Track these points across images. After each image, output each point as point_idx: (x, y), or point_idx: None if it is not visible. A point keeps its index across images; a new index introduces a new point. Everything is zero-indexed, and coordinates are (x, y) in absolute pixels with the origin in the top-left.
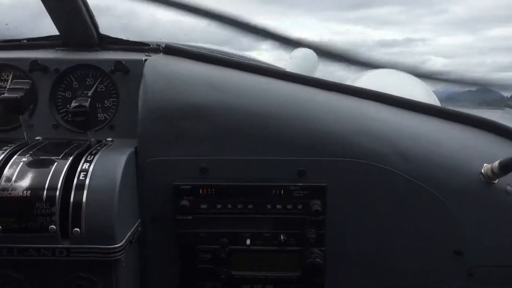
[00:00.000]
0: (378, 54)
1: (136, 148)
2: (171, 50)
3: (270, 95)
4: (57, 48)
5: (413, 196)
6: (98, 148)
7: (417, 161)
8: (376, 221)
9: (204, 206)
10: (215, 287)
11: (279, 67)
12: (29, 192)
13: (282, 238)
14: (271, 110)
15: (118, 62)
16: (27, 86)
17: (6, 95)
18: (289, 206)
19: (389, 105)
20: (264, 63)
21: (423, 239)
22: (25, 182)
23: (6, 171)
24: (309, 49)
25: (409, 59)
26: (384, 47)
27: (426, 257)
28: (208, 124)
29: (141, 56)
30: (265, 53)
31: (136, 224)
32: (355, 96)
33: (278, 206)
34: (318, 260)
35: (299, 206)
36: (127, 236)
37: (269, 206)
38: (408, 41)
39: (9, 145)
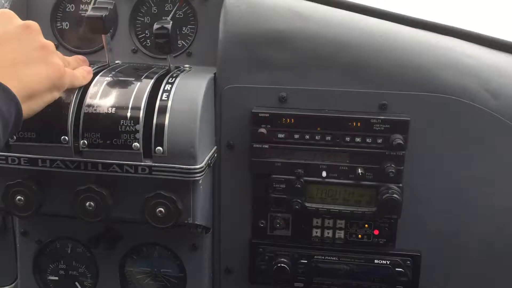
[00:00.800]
0: None
1: (215, 74)
2: None
3: (354, 27)
4: None
5: (503, 136)
6: (178, 72)
7: (509, 99)
8: (458, 160)
9: (281, 135)
10: (286, 218)
11: None
12: (113, 109)
13: (359, 171)
14: (355, 42)
15: None
16: (110, 6)
17: (91, 13)
18: (368, 140)
19: (480, 44)
20: None
21: (504, 179)
22: (110, 100)
23: (91, 89)
24: None
25: None
26: None
27: (507, 198)
28: (290, 52)
29: None
30: None
31: (213, 150)
32: (443, 34)
33: (357, 139)
34: (395, 196)
35: (379, 140)
36: (206, 159)
37: (347, 139)
38: None
39: (91, 66)
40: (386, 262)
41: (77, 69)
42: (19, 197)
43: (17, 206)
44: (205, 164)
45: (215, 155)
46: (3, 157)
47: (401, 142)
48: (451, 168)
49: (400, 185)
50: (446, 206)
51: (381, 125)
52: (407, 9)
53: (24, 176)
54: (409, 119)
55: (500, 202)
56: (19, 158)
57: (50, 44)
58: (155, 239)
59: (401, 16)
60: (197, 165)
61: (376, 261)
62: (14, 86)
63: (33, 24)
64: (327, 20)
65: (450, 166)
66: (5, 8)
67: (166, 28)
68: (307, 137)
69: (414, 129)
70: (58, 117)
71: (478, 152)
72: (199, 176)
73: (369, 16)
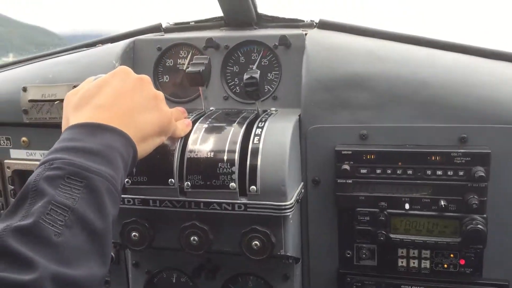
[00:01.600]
0: None
1: (299, 116)
2: (325, 25)
3: (428, 64)
4: (221, 28)
5: None
6: (266, 116)
7: None
8: None
9: (364, 170)
10: (371, 249)
11: None
12: (212, 153)
13: (442, 203)
14: (432, 79)
15: (282, 37)
16: (206, 61)
17: (190, 69)
18: (450, 172)
19: None
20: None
21: None
22: (208, 145)
23: (192, 136)
24: None
25: None
26: None
27: None
28: (369, 93)
29: (298, 31)
30: None
31: (300, 186)
32: None
33: (439, 172)
34: (480, 226)
35: (461, 173)
36: (295, 195)
37: (429, 172)
38: None
39: (190, 114)
40: None
41: (179, 121)
42: (134, 233)
43: (133, 241)
44: (294, 200)
45: (303, 190)
46: (120, 199)
47: (483, 174)
48: None
49: (484, 215)
50: None
51: (462, 158)
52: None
53: (137, 215)
54: (489, 151)
55: None
56: (133, 199)
57: (161, 94)
58: (250, 269)
59: (477, 48)
60: (287, 201)
61: None
62: (131, 131)
63: (146, 77)
64: (403, 59)
65: None
66: (116, 66)
67: (255, 78)
68: (389, 171)
69: (495, 160)
70: (165, 162)
71: None
72: (289, 212)
73: (446, 50)
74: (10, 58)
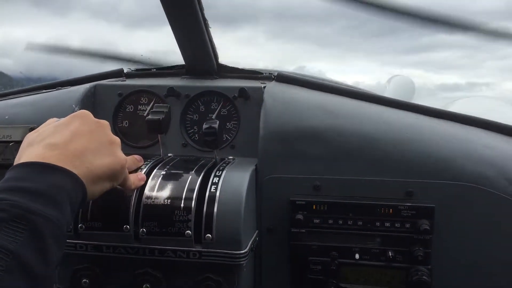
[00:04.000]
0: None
1: (256, 165)
2: (283, 78)
3: (379, 120)
4: (182, 76)
5: None
6: (224, 165)
7: None
8: (482, 243)
9: (317, 220)
10: None
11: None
12: (169, 201)
13: (390, 254)
14: (381, 134)
15: (242, 90)
16: (166, 110)
17: (150, 117)
18: (397, 225)
19: (493, 131)
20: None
21: None
22: (165, 193)
23: (149, 182)
24: (406, 77)
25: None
26: (445, 91)
27: None
28: (322, 146)
29: (257, 84)
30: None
31: (255, 234)
32: (459, 122)
33: (387, 224)
34: (424, 277)
35: (407, 225)
36: (249, 244)
37: (378, 224)
38: (471, 86)
39: (148, 160)
40: None
41: (132, 174)
42: (85, 280)
43: (83, 287)
44: (248, 249)
45: (257, 239)
46: (72, 244)
47: (427, 227)
48: (476, 250)
49: (429, 266)
50: (474, 286)
51: (408, 211)
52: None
53: (90, 261)
54: (433, 205)
55: None
56: (86, 245)
57: (117, 140)
58: None
59: (422, 107)
60: (241, 250)
61: None
62: (82, 172)
63: (104, 122)
64: (354, 115)
65: (475, 248)
66: (76, 110)
67: (214, 128)
68: (340, 222)
69: (440, 214)
70: (121, 208)
71: (500, 235)
72: (244, 260)
73: (393, 108)
74: None
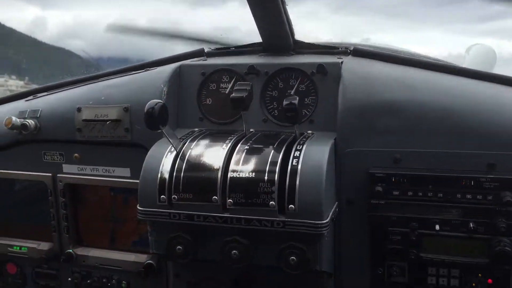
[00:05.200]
0: None
1: (335, 139)
2: (359, 52)
3: (459, 92)
4: (259, 54)
5: None
6: (304, 139)
7: None
8: None
9: (396, 192)
10: (402, 266)
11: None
12: (253, 173)
13: (471, 225)
14: (461, 106)
15: (320, 66)
16: (249, 88)
17: (234, 95)
18: (479, 196)
19: None
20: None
21: None
22: (250, 166)
23: (234, 156)
24: (487, 46)
25: None
26: None
27: None
28: (401, 119)
29: (334, 59)
30: None
31: (335, 206)
32: None
33: (468, 196)
34: (507, 248)
35: (489, 197)
36: (330, 215)
37: (458, 195)
38: None
39: (232, 136)
40: None
41: None
42: (179, 246)
43: (177, 254)
44: (329, 219)
45: (337, 210)
46: (166, 214)
47: (510, 199)
48: None
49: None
50: None
51: (490, 183)
52: None
53: (182, 229)
54: None
55: None
56: (179, 214)
57: None
58: (286, 283)
59: (505, 77)
60: (323, 220)
61: None
62: None
63: None
64: (433, 87)
65: None
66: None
67: (294, 104)
68: (420, 194)
69: None
70: (209, 180)
71: None
72: (325, 230)
73: (475, 79)
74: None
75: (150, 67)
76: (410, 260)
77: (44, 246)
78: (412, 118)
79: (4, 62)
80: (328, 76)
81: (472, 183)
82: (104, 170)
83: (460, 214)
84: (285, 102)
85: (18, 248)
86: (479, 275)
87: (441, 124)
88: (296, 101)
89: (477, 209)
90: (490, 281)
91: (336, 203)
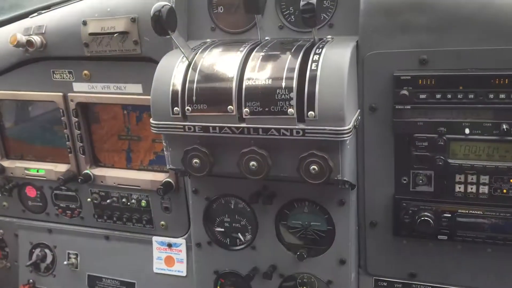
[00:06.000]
0: None
1: (357, 42)
2: None
3: None
4: None
5: None
6: (323, 43)
7: None
8: None
9: (423, 96)
10: (428, 175)
11: None
12: (270, 80)
13: (504, 127)
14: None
15: None
16: None
17: None
18: None
19: None
20: None
21: None
22: (266, 73)
23: (249, 63)
24: None
25: None
26: None
27: None
28: (429, 15)
29: None
30: None
31: (357, 113)
32: None
33: (502, 96)
34: None
35: None
36: (352, 121)
37: (491, 96)
38: None
39: (246, 44)
40: None
41: None
42: (195, 160)
43: (194, 168)
44: (352, 125)
45: (359, 117)
46: (181, 126)
47: None
48: None
49: None
50: None
51: None
52: None
53: (198, 142)
54: None
55: None
56: (194, 126)
57: None
58: (306, 195)
59: None
60: (345, 126)
61: None
62: None
63: None
64: None
65: None
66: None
67: (312, 4)
68: (449, 96)
69: None
70: (224, 89)
71: None
72: (347, 136)
73: None
74: None
75: None
76: (437, 167)
77: (61, 168)
78: (442, 13)
79: None
80: None
81: (507, 81)
82: (115, 87)
83: (493, 115)
84: (302, 3)
85: (35, 170)
86: (511, 180)
87: (475, 18)
88: (314, 1)
89: (511, 110)
90: None
91: (359, 110)
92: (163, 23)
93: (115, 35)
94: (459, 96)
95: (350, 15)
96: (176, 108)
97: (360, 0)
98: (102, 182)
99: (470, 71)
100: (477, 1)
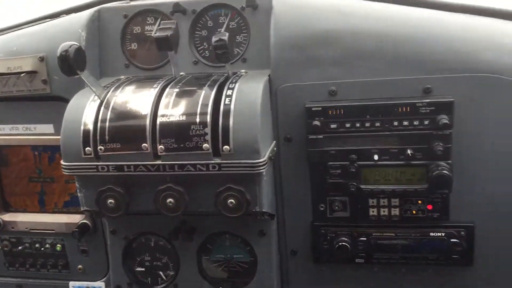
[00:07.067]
0: None
1: (269, 75)
2: None
3: (393, 18)
4: None
5: None
6: (237, 78)
7: None
8: (503, 134)
9: (333, 125)
10: (343, 201)
11: None
12: (184, 116)
13: (409, 152)
14: (396, 33)
15: None
16: (173, 26)
17: (158, 34)
18: (415, 122)
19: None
20: None
21: None
22: (180, 109)
23: (163, 100)
24: None
25: None
26: None
27: None
28: (336, 49)
29: None
30: None
31: (273, 144)
32: (476, 14)
33: (405, 123)
34: (445, 172)
35: (426, 122)
36: (267, 153)
37: (395, 123)
38: None
39: (160, 80)
40: (441, 234)
41: None
42: (110, 200)
43: (109, 208)
44: (267, 157)
45: (275, 148)
46: (94, 167)
47: (447, 122)
48: (496, 142)
49: (449, 161)
50: (495, 178)
51: (426, 108)
52: None
53: (112, 181)
54: (453, 100)
55: None
56: (107, 166)
57: None
58: (227, 228)
59: (438, 2)
60: (260, 158)
61: (431, 234)
62: None
63: None
64: (368, 15)
65: (495, 140)
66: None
67: (224, 40)
68: (358, 125)
69: (459, 109)
70: (137, 127)
71: None
72: (263, 169)
73: (408, 5)
74: None
75: (67, 13)
76: (351, 193)
77: None
78: (348, 47)
79: None
80: (259, 9)
81: (409, 109)
82: (24, 128)
83: (398, 141)
84: (214, 39)
85: None
86: (419, 202)
87: (378, 52)
88: (226, 37)
89: (414, 135)
90: (429, 207)
91: (274, 141)
92: (70, 63)
93: (22, 74)
94: (366, 125)
95: (263, 50)
96: (88, 148)
97: (271, 34)
98: (13, 228)
99: (375, 101)
100: (376, 36)
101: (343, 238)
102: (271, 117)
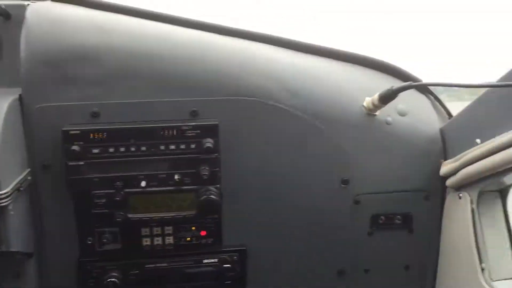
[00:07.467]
0: None
1: (20, 95)
2: None
3: (158, 38)
4: None
5: (301, 130)
6: None
7: (305, 96)
8: (267, 157)
9: (96, 150)
10: (113, 232)
11: None
12: None
13: (176, 177)
14: (159, 52)
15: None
16: None
17: None
18: (182, 146)
19: (282, 47)
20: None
21: (312, 172)
22: None
23: None
24: None
25: None
26: None
27: (316, 189)
28: (97, 68)
29: (20, 2)
30: None
31: (25, 173)
32: (248, 39)
33: (172, 147)
34: (212, 196)
35: (192, 145)
36: (14, 183)
37: (162, 147)
38: None
39: None
40: (215, 260)
41: None
42: None
43: None
44: (11, 189)
45: (29, 177)
46: None
47: (210, 145)
48: (263, 165)
49: (218, 185)
50: (264, 201)
51: (192, 131)
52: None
53: None
54: (217, 123)
55: (311, 195)
56: None
57: None
58: None
59: (208, 24)
60: (2, 190)
61: (205, 260)
62: None
63: None
64: (130, 32)
65: (262, 163)
66: None
67: None
68: (122, 149)
69: (225, 132)
70: None
71: (284, 148)
72: (6, 202)
73: (174, 25)
74: None
75: None
76: (119, 224)
77: None
78: (108, 66)
79: None
80: (13, 21)
81: (175, 133)
82: None
83: (166, 166)
84: None
85: None
86: (193, 228)
87: (141, 72)
88: None
89: (182, 160)
90: (203, 233)
91: (28, 169)
92: None
93: None
94: (132, 149)
95: (13, 65)
96: None
97: (21, 48)
98: None
99: (139, 124)
100: (140, 56)
101: (113, 274)
102: (24, 141)
